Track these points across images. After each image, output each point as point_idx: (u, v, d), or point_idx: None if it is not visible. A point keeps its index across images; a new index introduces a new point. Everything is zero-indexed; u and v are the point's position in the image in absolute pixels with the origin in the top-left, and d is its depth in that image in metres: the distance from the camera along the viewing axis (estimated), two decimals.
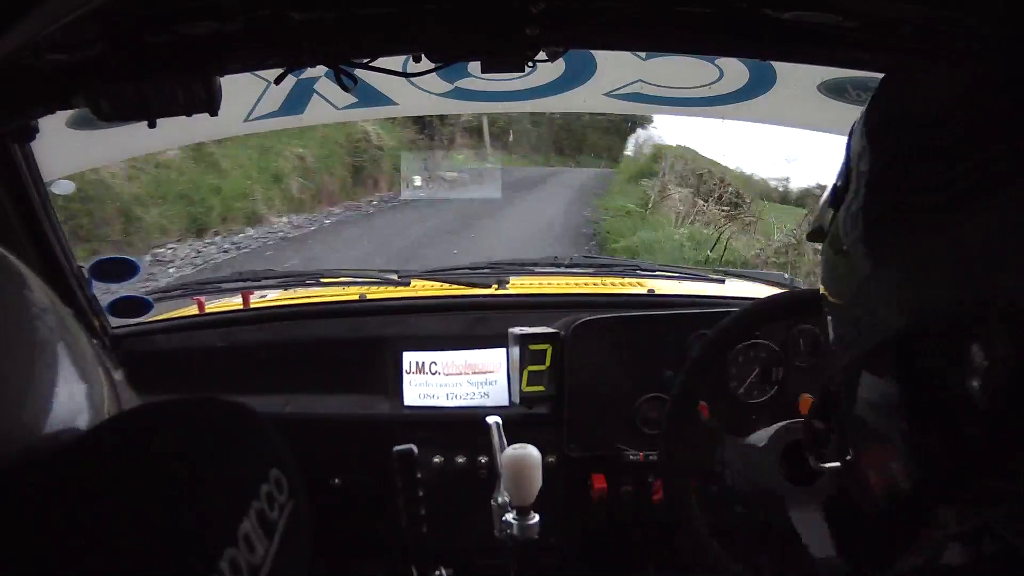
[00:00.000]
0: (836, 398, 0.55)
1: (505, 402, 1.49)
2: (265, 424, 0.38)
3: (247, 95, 1.58)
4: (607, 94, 1.73)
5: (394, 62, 1.11)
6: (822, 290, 0.56)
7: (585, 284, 1.82)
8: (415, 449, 1.31)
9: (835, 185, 0.54)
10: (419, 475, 1.31)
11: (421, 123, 12.91)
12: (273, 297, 1.76)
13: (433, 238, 8.53)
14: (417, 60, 1.01)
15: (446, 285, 1.69)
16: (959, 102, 0.46)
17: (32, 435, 0.34)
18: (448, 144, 16.02)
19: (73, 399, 0.37)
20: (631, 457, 1.45)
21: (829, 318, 0.55)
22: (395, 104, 1.76)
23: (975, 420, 0.41)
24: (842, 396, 0.53)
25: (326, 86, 1.62)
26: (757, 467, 1.09)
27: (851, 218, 0.50)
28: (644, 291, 1.71)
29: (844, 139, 0.54)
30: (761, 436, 1.16)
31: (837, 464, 1.04)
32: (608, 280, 1.84)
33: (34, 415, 0.34)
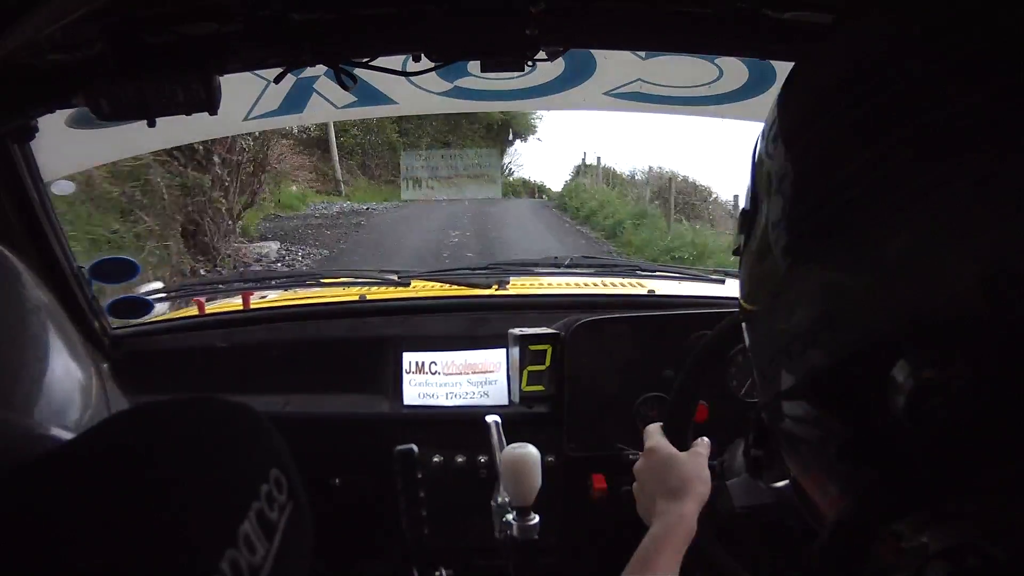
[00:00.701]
0: (767, 426, 0.52)
1: (505, 401, 1.49)
2: (265, 424, 0.37)
3: (246, 94, 1.58)
4: (607, 93, 1.74)
5: (394, 61, 1.11)
6: (741, 280, 0.53)
7: (585, 284, 1.82)
8: (415, 448, 1.31)
9: (744, 210, 0.50)
10: (420, 475, 1.31)
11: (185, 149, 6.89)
12: (273, 298, 1.76)
13: None
14: (417, 59, 1.01)
15: (446, 286, 1.69)
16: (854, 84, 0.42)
17: (19, 427, 0.34)
18: (256, 173, 9.11)
19: (62, 393, 0.37)
20: (631, 457, 1.44)
21: (744, 325, 0.52)
22: (395, 103, 1.76)
23: (905, 444, 0.40)
24: (771, 425, 0.51)
25: (326, 85, 1.63)
26: (762, 487, 1.09)
27: (760, 243, 0.47)
28: (644, 291, 1.71)
29: None
30: None
31: (786, 482, 1.05)
32: (608, 280, 1.84)
33: (23, 407, 0.35)
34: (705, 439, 1.02)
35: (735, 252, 0.54)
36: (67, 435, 0.35)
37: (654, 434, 1.03)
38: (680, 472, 0.96)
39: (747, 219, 0.49)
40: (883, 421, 0.39)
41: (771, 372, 0.48)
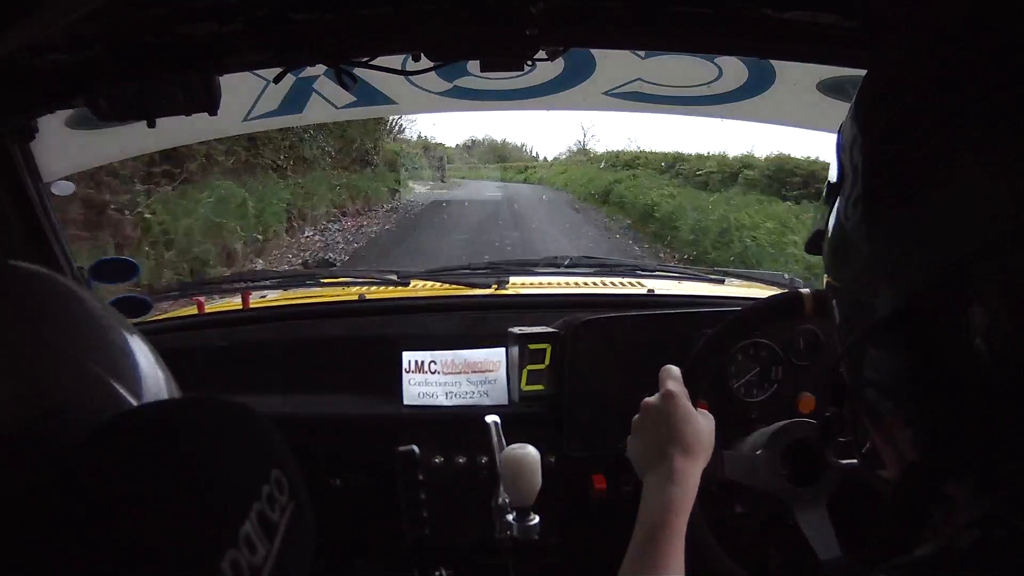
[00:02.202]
0: (845, 379, 0.56)
1: (504, 401, 1.49)
2: (266, 424, 0.38)
3: (246, 94, 1.58)
4: (606, 93, 1.73)
5: (394, 61, 1.11)
6: (826, 277, 0.57)
7: (584, 284, 1.82)
8: (416, 449, 1.30)
9: (828, 182, 0.55)
10: (421, 476, 1.31)
11: None
12: (272, 297, 1.76)
13: None
14: (416, 59, 1.01)
15: (445, 285, 1.69)
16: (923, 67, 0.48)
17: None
18: None
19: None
20: None
21: (834, 302, 0.56)
22: (394, 103, 1.76)
23: (980, 385, 0.42)
24: (851, 376, 0.54)
25: (325, 85, 1.62)
26: (758, 471, 1.09)
27: (850, 206, 0.51)
28: (644, 291, 1.71)
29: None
30: (761, 436, 1.16)
31: (853, 461, 1.05)
32: (607, 280, 1.84)
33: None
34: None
35: (809, 245, 0.58)
36: None
37: (676, 379, 0.98)
38: (697, 430, 0.91)
39: (833, 190, 0.54)
40: (962, 359, 0.42)
41: (853, 315, 0.51)
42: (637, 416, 0.97)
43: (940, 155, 0.44)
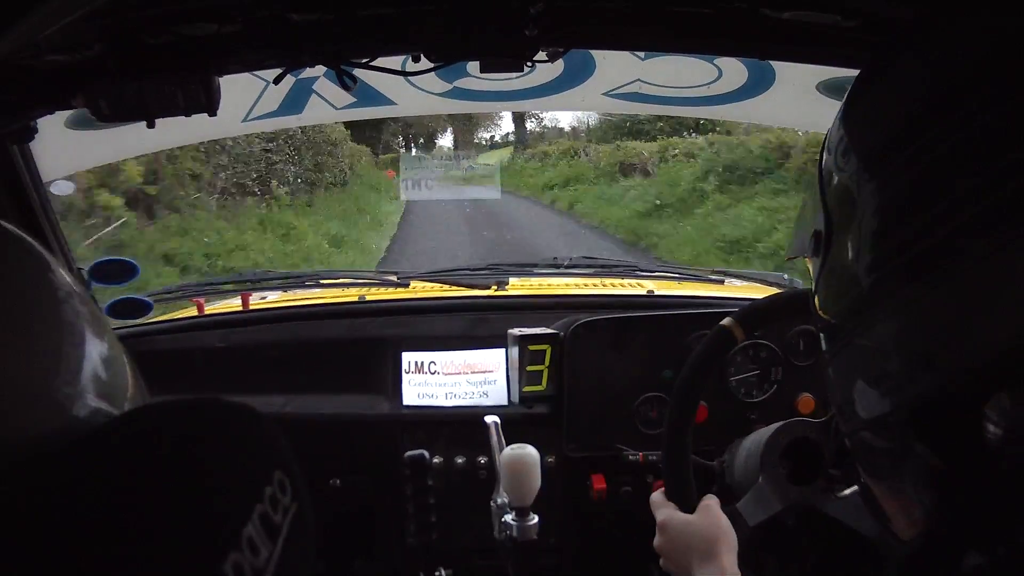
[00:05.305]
0: (849, 449, 0.52)
1: (504, 401, 1.49)
2: (268, 425, 0.37)
3: (245, 95, 1.58)
4: (606, 94, 1.73)
5: (393, 61, 1.11)
6: (816, 301, 0.51)
7: (584, 285, 1.82)
8: (427, 454, 1.30)
9: (816, 231, 0.49)
10: (430, 482, 1.31)
11: None
12: (272, 298, 1.76)
13: None
14: (416, 60, 1.01)
15: (445, 286, 1.69)
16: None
17: (60, 414, 0.34)
18: None
19: (100, 379, 0.38)
20: (630, 457, 1.45)
21: (822, 334, 0.51)
22: (394, 104, 1.76)
23: (999, 474, 0.40)
24: (857, 450, 0.50)
25: (325, 86, 1.62)
26: (769, 498, 1.08)
27: (849, 268, 0.45)
28: (643, 292, 1.71)
29: None
30: (759, 436, 1.16)
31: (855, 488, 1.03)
32: (607, 281, 1.84)
33: (63, 394, 0.35)
34: (712, 497, 1.00)
35: (814, 295, 0.51)
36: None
37: (660, 505, 0.99)
38: (702, 533, 0.93)
39: (821, 241, 0.48)
40: (977, 452, 0.39)
41: (860, 399, 0.47)
42: (662, 559, 0.99)
43: (988, 226, 0.37)
